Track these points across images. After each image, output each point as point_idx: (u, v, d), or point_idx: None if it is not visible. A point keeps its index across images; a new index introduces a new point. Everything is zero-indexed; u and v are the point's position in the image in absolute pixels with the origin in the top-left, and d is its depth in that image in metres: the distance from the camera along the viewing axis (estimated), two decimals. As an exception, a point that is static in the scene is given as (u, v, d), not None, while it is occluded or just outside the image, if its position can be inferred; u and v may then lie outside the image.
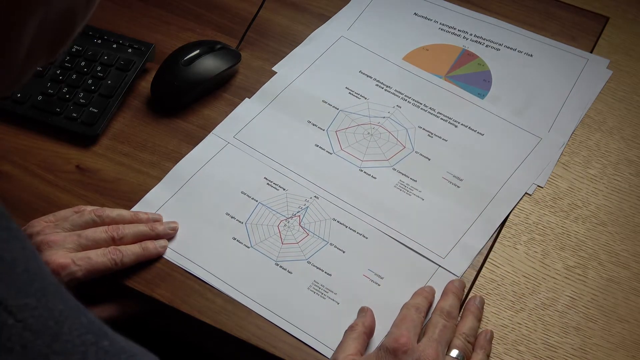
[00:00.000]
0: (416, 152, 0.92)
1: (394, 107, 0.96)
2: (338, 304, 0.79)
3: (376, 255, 0.82)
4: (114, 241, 0.79)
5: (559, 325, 0.79)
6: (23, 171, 0.89)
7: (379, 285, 0.80)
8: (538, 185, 0.90)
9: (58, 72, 0.95)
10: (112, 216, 0.81)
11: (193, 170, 0.89)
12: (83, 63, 0.96)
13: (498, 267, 0.83)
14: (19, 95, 0.93)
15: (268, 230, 0.84)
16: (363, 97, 0.98)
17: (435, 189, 0.89)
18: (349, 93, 0.98)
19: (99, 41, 0.98)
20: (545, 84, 1.00)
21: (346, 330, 0.75)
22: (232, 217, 0.85)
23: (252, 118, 0.94)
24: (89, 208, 0.82)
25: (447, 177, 0.90)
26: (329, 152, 0.92)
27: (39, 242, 0.76)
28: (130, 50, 0.97)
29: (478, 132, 0.95)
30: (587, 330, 0.79)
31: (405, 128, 0.94)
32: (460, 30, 1.05)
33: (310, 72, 1.00)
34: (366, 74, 1.00)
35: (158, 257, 0.81)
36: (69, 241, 0.77)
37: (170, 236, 0.83)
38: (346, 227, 0.85)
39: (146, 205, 0.85)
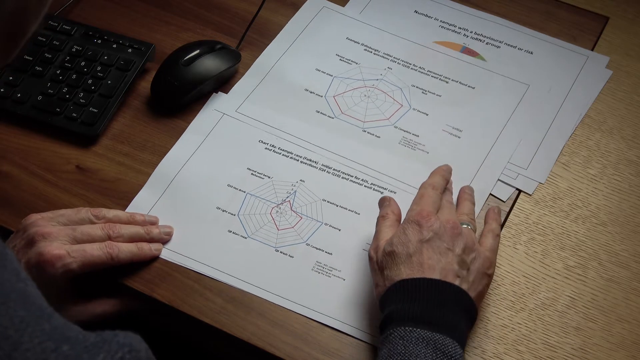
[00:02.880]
0: (414, 109, 0.96)
1: (385, 69, 1.00)
2: (344, 280, 0.81)
3: (371, 229, 0.82)
4: (110, 239, 0.79)
5: (559, 325, 0.79)
6: (23, 171, 0.89)
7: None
8: (539, 182, 0.90)
9: (58, 72, 0.95)
10: (108, 216, 0.81)
11: (176, 169, 0.89)
12: (83, 63, 0.96)
13: (498, 267, 0.83)
14: (19, 95, 0.93)
15: (262, 219, 0.85)
16: (354, 62, 1.00)
17: (438, 142, 0.93)
18: (340, 60, 1.00)
19: (99, 41, 0.98)
20: (545, 80, 1.00)
21: (379, 220, 0.79)
22: (223, 211, 0.85)
23: (248, 95, 0.95)
24: (87, 208, 0.82)
25: (447, 129, 0.94)
26: (330, 117, 0.94)
27: (33, 233, 0.75)
28: (130, 50, 0.97)
29: (469, 86, 0.98)
30: (587, 330, 0.79)
31: (399, 88, 0.98)
32: (460, 28, 1.06)
33: (298, 44, 1.02)
34: (354, 40, 1.03)
35: (154, 258, 0.81)
36: (64, 234, 0.76)
37: (165, 241, 0.82)
38: (337, 205, 0.86)
39: (135, 208, 0.85)
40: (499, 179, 0.89)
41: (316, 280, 0.81)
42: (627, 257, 0.84)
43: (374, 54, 1.01)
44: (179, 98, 0.94)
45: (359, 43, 1.02)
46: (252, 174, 0.88)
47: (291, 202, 0.86)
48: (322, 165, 0.89)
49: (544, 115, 0.96)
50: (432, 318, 0.68)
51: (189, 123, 0.94)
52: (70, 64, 0.96)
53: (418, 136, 0.93)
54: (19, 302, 0.46)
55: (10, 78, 0.94)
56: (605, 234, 0.86)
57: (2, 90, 0.93)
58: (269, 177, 0.88)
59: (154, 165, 0.90)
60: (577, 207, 0.88)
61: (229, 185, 0.87)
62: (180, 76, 0.94)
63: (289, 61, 1.00)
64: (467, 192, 0.85)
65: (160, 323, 0.84)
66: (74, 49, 0.97)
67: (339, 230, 0.84)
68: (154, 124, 0.94)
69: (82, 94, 0.93)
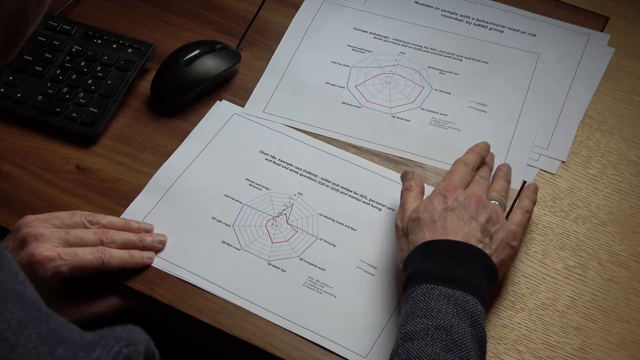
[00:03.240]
0: (436, 90, 0.97)
1: (398, 54, 1.01)
2: (335, 297, 0.79)
3: (367, 246, 0.82)
4: (103, 244, 0.79)
5: (559, 325, 0.79)
6: (23, 171, 0.89)
7: (372, 275, 0.81)
8: (562, 161, 0.91)
9: (58, 72, 0.95)
10: (102, 222, 0.81)
11: (175, 176, 0.88)
12: (83, 63, 0.96)
13: (498, 267, 0.83)
14: (19, 95, 0.93)
15: (256, 231, 0.84)
16: (367, 50, 1.01)
17: (466, 119, 0.94)
18: (353, 50, 1.01)
19: (99, 41, 0.98)
20: (552, 57, 1.01)
21: (403, 192, 0.81)
22: (218, 221, 0.84)
23: (270, 97, 0.95)
24: (82, 212, 0.81)
25: (472, 105, 0.96)
26: (357, 107, 0.95)
27: (26, 234, 0.76)
28: (130, 50, 0.97)
29: (483, 61, 0.99)
30: (587, 330, 0.79)
31: (417, 71, 0.99)
32: (462, 15, 1.06)
33: (308, 40, 1.02)
34: (361, 30, 1.03)
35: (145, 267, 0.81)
36: (56, 237, 0.77)
37: (158, 249, 0.82)
38: (333, 221, 0.85)
39: (132, 214, 0.85)
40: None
41: (307, 296, 0.79)
42: (627, 257, 0.84)
43: (385, 40, 1.02)
44: (179, 98, 0.94)
45: (367, 32, 1.03)
46: (250, 184, 0.87)
47: (287, 215, 0.85)
48: (322, 179, 0.88)
49: (555, 94, 0.97)
50: (453, 276, 0.70)
51: (189, 123, 0.94)
52: (70, 64, 0.96)
53: (446, 115, 0.95)
54: (17, 303, 0.46)
55: (10, 78, 0.94)
56: (605, 234, 0.86)
57: (2, 90, 0.93)
58: (267, 189, 0.87)
59: (154, 165, 0.90)
60: (577, 207, 0.88)
61: (226, 195, 0.86)
62: (180, 76, 0.94)
63: (302, 58, 1.00)
64: (503, 170, 0.86)
65: (160, 323, 0.84)
66: (74, 49, 0.97)
67: (334, 245, 0.83)
68: (154, 124, 0.94)
69: (82, 94, 0.93)
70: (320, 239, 0.83)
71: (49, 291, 0.74)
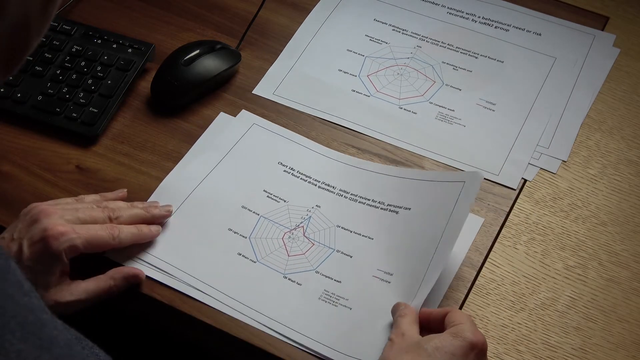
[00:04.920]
0: (446, 85, 0.98)
1: (414, 47, 1.02)
2: (350, 309, 0.78)
3: (384, 254, 0.82)
4: (111, 221, 0.80)
5: (559, 325, 0.79)
6: (23, 171, 0.89)
7: (389, 282, 0.80)
8: (562, 160, 0.91)
9: (58, 72, 0.95)
10: (109, 206, 0.81)
11: (191, 186, 0.87)
12: (83, 63, 0.96)
13: (498, 267, 0.83)
14: (19, 95, 0.93)
15: (273, 244, 0.83)
16: (384, 42, 1.03)
17: (474, 115, 0.95)
18: (370, 40, 1.03)
19: (99, 41, 0.98)
20: (556, 58, 1.02)
21: (397, 319, 0.75)
22: (235, 233, 0.83)
23: (283, 78, 0.97)
24: (89, 197, 0.83)
25: (481, 102, 0.97)
26: (366, 95, 0.97)
27: (37, 212, 0.76)
28: (130, 50, 0.97)
29: (498, 60, 1.01)
30: (587, 330, 0.79)
31: (430, 65, 1.01)
32: (468, 14, 1.07)
33: (327, 26, 1.04)
34: (381, 21, 1.05)
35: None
36: (67, 213, 0.77)
37: (165, 217, 0.83)
38: (351, 232, 0.84)
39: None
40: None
41: (322, 309, 0.78)
42: (627, 257, 0.84)
43: (403, 33, 1.04)
44: (179, 98, 0.94)
45: (387, 24, 1.05)
46: (267, 196, 0.86)
47: (304, 228, 0.84)
48: (340, 190, 0.87)
49: (559, 93, 0.98)
50: None
51: (189, 123, 0.94)
52: (70, 64, 0.96)
53: (454, 110, 0.95)
54: (17, 333, 0.45)
55: (10, 78, 0.94)
56: (605, 234, 0.86)
57: (2, 90, 0.93)
58: (284, 201, 0.86)
59: (154, 165, 0.90)
60: (577, 207, 0.88)
61: (243, 207, 0.85)
62: (180, 76, 0.94)
63: (319, 44, 1.02)
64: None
65: (160, 323, 0.84)
66: (74, 49, 0.97)
67: (351, 257, 0.82)
68: (154, 124, 0.94)
69: (82, 94, 0.93)
70: (337, 251, 0.82)
71: (59, 267, 0.75)
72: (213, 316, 0.78)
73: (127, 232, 0.80)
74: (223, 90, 0.98)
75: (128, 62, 0.96)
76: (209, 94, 0.97)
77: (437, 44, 1.03)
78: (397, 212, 0.84)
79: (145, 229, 0.81)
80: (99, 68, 0.95)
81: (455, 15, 1.07)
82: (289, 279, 0.80)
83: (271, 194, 0.87)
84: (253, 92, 0.97)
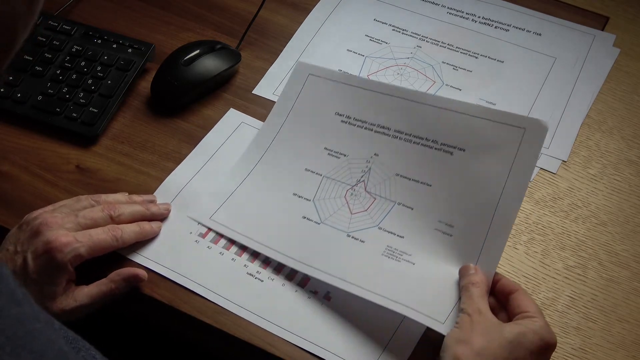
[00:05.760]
0: (447, 85, 0.98)
1: (414, 47, 1.02)
2: (414, 264, 0.79)
3: (443, 203, 0.82)
4: (112, 219, 0.80)
5: (559, 325, 0.79)
6: (23, 171, 0.89)
7: (451, 236, 0.80)
8: (562, 160, 0.91)
9: (58, 72, 0.95)
10: (108, 200, 0.82)
11: (261, 152, 0.89)
12: (83, 63, 0.96)
13: (498, 267, 0.82)
14: (19, 95, 0.93)
15: (336, 203, 0.85)
16: (384, 42, 1.03)
17: None
18: (370, 40, 1.03)
19: (99, 41, 0.98)
20: (556, 59, 1.02)
21: (467, 286, 0.75)
22: (299, 197, 0.86)
23: (285, 75, 0.97)
24: (85, 195, 0.83)
25: (481, 103, 0.97)
26: None
27: (38, 224, 0.76)
28: (130, 50, 0.97)
29: (498, 60, 1.01)
30: (587, 330, 0.79)
31: (430, 65, 1.01)
32: (468, 14, 1.07)
33: (327, 26, 1.04)
34: (381, 21, 1.05)
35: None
36: (68, 221, 0.77)
37: (164, 216, 0.84)
38: (410, 179, 0.84)
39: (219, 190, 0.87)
40: None
41: (385, 265, 0.79)
42: (627, 257, 0.84)
43: (403, 33, 1.04)
44: (179, 98, 0.94)
45: (387, 24, 1.05)
46: (329, 154, 0.88)
47: (365, 182, 0.85)
48: (395, 131, 0.86)
49: (559, 93, 0.98)
50: None
51: (189, 123, 0.94)
52: (70, 64, 0.96)
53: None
54: (8, 346, 0.44)
55: (10, 78, 0.94)
56: (605, 234, 0.86)
57: (2, 90, 0.93)
58: (344, 156, 0.87)
59: (154, 165, 0.90)
60: (577, 207, 0.88)
61: (306, 169, 0.88)
62: (180, 76, 0.94)
63: (319, 43, 1.02)
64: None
65: (160, 323, 0.84)
66: (74, 49, 0.97)
67: (412, 209, 0.83)
68: (154, 124, 0.94)
69: (82, 94, 0.93)
70: (399, 204, 0.83)
71: (66, 276, 0.75)
72: (213, 316, 0.78)
73: (130, 231, 0.80)
74: (223, 90, 0.98)
75: (128, 62, 0.96)
76: (209, 94, 0.97)
77: (437, 44, 1.03)
78: (451, 153, 0.84)
79: (146, 226, 0.82)
80: (99, 68, 0.95)
81: (455, 15, 1.07)
82: (353, 237, 0.82)
83: (332, 151, 0.88)
84: (253, 92, 0.97)
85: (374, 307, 0.78)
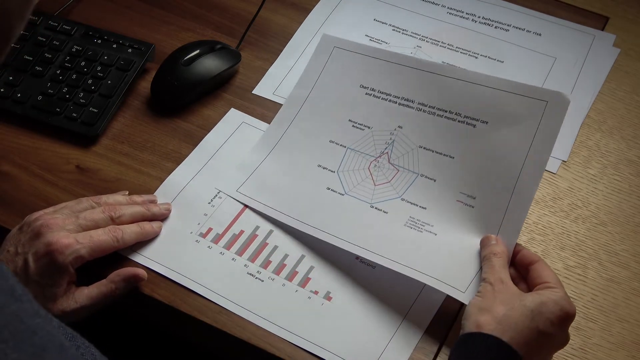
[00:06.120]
0: None
1: (414, 47, 1.03)
2: (436, 235, 0.81)
3: (465, 175, 0.83)
4: (113, 220, 0.80)
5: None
6: (23, 171, 0.89)
7: (472, 207, 0.82)
8: (562, 160, 0.92)
9: (58, 72, 0.95)
10: (108, 202, 0.82)
11: (286, 125, 0.91)
12: (83, 63, 0.96)
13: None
14: (19, 95, 0.93)
15: (360, 175, 0.86)
16: (384, 42, 1.03)
17: None
18: (370, 40, 1.03)
19: (99, 41, 0.98)
20: (556, 59, 1.02)
21: (489, 256, 0.76)
22: (324, 168, 0.88)
23: (285, 75, 0.98)
24: (86, 197, 0.83)
25: None
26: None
27: (39, 226, 0.76)
28: (130, 50, 0.97)
29: (498, 60, 1.01)
30: (587, 330, 0.79)
31: None
32: (468, 14, 1.07)
33: (327, 27, 1.04)
34: (381, 21, 1.05)
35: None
36: (69, 222, 0.77)
37: (164, 216, 0.84)
38: (433, 151, 0.85)
39: (245, 161, 0.89)
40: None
41: (407, 236, 0.81)
42: (627, 257, 0.84)
43: (403, 33, 1.04)
44: (179, 98, 0.95)
45: (387, 24, 1.05)
46: (353, 126, 0.89)
47: (389, 154, 0.87)
48: (419, 104, 0.88)
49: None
50: None
51: (189, 123, 0.94)
52: (70, 64, 0.96)
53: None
54: (11, 340, 0.45)
55: (10, 78, 0.94)
56: (605, 234, 0.86)
57: (2, 90, 0.93)
58: (369, 128, 0.89)
59: (154, 165, 0.90)
60: (577, 207, 0.88)
61: (330, 141, 0.89)
62: (180, 76, 0.94)
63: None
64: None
65: (160, 323, 0.84)
66: (74, 49, 0.97)
67: (434, 181, 0.84)
68: (154, 124, 0.94)
69: (82, 94, 0.93)
70: (421, 175, 0.85)
71: (67, 278, 0.75)
72: (213, 316, 0.78)
73: (130, 232, 0.80)
74: (223, 90, 0.98)
75: (128, 62, 0.96)
76: (209, 94, 0.97)
77: (437, 44, 1.03)
78: (474, 126, 0.85)
79: (147, 226, 0.82)
80: (99, 68, 0.95)
81: (455, 15, 1.07)
82: (376, 208, 0.84)
83: (356, 123, 0.90)
84: (253, 92, 0.97)
85: (374, 307, 0.78)
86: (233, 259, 0.82)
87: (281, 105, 0.96)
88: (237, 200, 0.86)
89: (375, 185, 0.85)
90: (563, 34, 1.04)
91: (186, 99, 0.95)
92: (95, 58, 0.96)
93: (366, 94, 0.91)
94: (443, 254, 0.79)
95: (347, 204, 0.85)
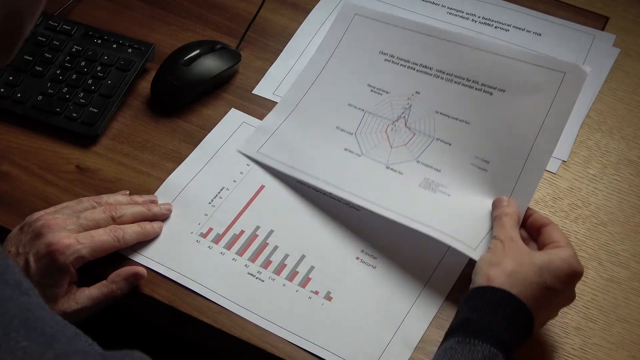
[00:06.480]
0: None
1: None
2: (449, 196, 0.84)
3: (480, 140, 0.85)
4: (114, 220, 0.80)
5: (559, 325, 0.79)
6: (23, 171, 0.89)
7: (486, 171, 0.84)
8: (562, 160, 0.92)
9: (58, 72, 0.95)
10: (109, 202, 0.82)
11: (305, 88, 0.94)
12: (83, 63, 0.96)
13: (498, 267, 0.83)
14: (19, 95, 0.93)
15: (377, 137, 0.89)
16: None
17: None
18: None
19: (99, 41, 0.98)
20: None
21: (501, 216, 0.79)
22: (342, 130, 0.90)
23: (283, 76, 0.99)
24: (87, 197, 0.83)
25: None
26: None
27: (40, 226, 0.76)
28: (130, 50, 0.97)
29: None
30: (587, 330, 0.79)
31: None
32: (468, 14, 1.07)
33: (327, 27, 1.02)
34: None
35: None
36: (70, 222, 0.77)
37: (165, 217, 0.84)
38: (449, 117, 0.88)
39: (264, 124, 0.93)
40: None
41: (421, 195, 0.84)
42: (627, 257, 0.84)
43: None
44: (179, 98, 0.95)
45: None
46: (371, 90, 0.92)
47: (406, 118, 0.89)
48: (437, 71, 0.90)
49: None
50: (507, 342, 0.70)
51: (189, 123, 0.94)
52: (70, 64, 0.96)
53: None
54: (22, 329, 0.46)
55: (10, 78, 0.94)
56: (605, 234, 0.86)
57: (2, 90, 0.93)
58: (387, 93, 0.91)
59: (154, 165, 0.90)
60: (577, 207, 0.88)
61: (349, 104, 0.92)
62: (180, 76, 0.94)
63: (319, 43, 0.99)
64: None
65: (160, 323, 0.84)
66: (74, 49, 0.97)
67: (450, 145, 0.86)
68: (154, 124, 0.94)
69: (82, 94, 0.93)
70: (437, 139, 0.87)
71: (68, 278, 0.75)
72: (213, 316, 0.78)
73: (131, 232, 0.80)
74: (223, 90, 0.98)
75: (128, 62, 0.96)
76: (209, 94, 0.97)
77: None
78: (491, 94, 0.87)
79: (148, 226, 0.82)
80: (99, 68, 0.95)
81: (456, 15, 1.07)
82: (392, 169, 0.87)
83: (374, 87, 0.92)
84: (253, 92, 0.97)
85: (375, 307, 0.78)
86: (233, 259, 0.82)
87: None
88: (257, 161, 0.89)
89: (391, 147, 0.88)
90: (563, 34, 1.04)
91: (186, 99, 0.95)
92: (95, 58, 0.96)
93: (385, 60, 0.93)
94: (455, 214, 0.82)
95: (364, 164, 0.88)
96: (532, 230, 0.79)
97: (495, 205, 0.81)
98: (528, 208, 0.80)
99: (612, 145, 0.94)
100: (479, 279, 0.73)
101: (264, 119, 0.93)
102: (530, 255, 0.73)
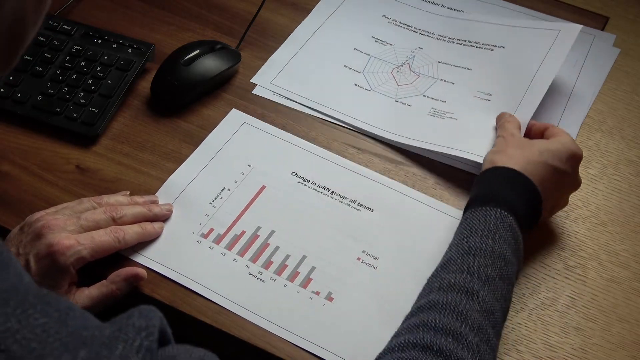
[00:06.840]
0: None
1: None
2: (457, 120, 0.93)
3: (482, 80, 0.95)
4: (114, 221, 0.80)
5: (559, 325, 0.79)
6: (23, 171, 0.89)
7: (489, 100, 0.93)
8: None
9: (58, 72, 0.95)
10: (110, 202, 0.82)
11: (310, 33, 1.02)
12: (83, 63, 0.96)
13: (498, 267, 0.83)
14: (19, 95, 0.93)
15: (383, 76, 0.97)
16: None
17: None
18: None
19: (99, 41, 0.98)
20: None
21: (504, 124, 0.88)
22: (350, 69, 0.99)
23: (279, 70, 1.01)
24: (87, 197, 0.82)
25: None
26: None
27: (40, 227, 0.76)
28: (130, 50, 0.97)
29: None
30: (587, 330, 0.79)
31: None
32: (468, 13, 1.06)
33: (328, 26, 1.07)
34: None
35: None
36: (70, 223, 0.77)
37: (166, 217, 0.84)
38: (451, 65, 0.98)
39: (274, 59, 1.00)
40: None
41: (431, 121, 0.93)
42: (627, 257, 0.85)
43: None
44: (179, 98, 0.95)
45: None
46: (375, 41, 1.02)
47: (410, 64, 0.98)
48: (439, 35, 1.01)
49: (559, 94, 0.98)
50: (530, 216, 0.79)
51: (189, 123, 0.94)
52: (70, 64, 0.95)
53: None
54: (38, 306, 0.46)
55: (10, 78, 0.94)
56: (605, 234, 0.86)
57: (2, 90, 0.93)
58: (390, 45, 1.01)
59: (154, 165, 0.90)
60: (577, 207, 0.88)
61: (355, 49, 1.01)
62: (180, 76, 0.94)
63: (319, 43, 1.03)
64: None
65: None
66: (74, 49, 0.97)
67: (453, 83, 0.96)
68: (154, 124, 0.94)
69: (82, 94, 0.93)
70: (441, 80, 0.97)
71: (68, 279, 0.75)
72: (213, 316, 0.78)
73: (132, 232, 0.80)
74: (223, 90, 0.98)
75: (128, 62, 0.96)
76: (209, 94, 0.97)
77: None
78: (492, 50, 0.98)
79: (149, 226, 0.82)
80: (99, 68, 0.95)
81: (455, 17, 1.07)
82: (400, 102, 0.95)
83: (379, 39, 1.02)
84: (253, 92, 0.97)
85: (376, 308, 0.78)
86: (234, 259, 0.82)
87: (282, 105, 0.96)
88: (271, 91, 0.96)
89: (398, 85, 0.97)
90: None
91: (186, 99, 0.95)
92: (95, 58, 0.96)
93: (388, 22, 1.04)
94: (463, 132, 0.90)
95: (374, 97, 0.96)
96: (535, 136, 0.86)
97: (498, 118, 0.90)
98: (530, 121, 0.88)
99: (612, 145, 0.94)
100: (485, 166, 0.81)
101: (274, 53, 1.00)
102: (530, 142, 0.82)
